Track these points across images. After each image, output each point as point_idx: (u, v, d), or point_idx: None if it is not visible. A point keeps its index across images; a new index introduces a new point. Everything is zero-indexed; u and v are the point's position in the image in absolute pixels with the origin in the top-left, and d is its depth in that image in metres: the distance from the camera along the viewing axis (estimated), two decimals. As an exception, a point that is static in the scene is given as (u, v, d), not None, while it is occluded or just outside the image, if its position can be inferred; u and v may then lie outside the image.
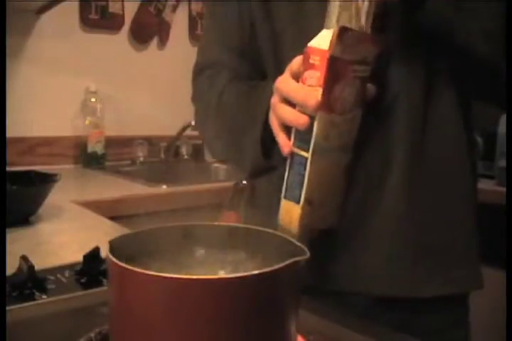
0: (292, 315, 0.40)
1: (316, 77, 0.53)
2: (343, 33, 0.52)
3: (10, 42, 1.65)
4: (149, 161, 2.02)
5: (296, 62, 0.58)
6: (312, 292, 0.55)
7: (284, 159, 0.61)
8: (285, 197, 0.59)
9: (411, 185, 0.67)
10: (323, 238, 0.66)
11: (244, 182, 0.63)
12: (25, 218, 1.05)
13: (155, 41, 2.10)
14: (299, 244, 0.41)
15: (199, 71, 0.84)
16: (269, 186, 0.77)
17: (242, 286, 0.36)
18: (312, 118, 0.55)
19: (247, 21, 0.75)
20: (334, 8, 0.54)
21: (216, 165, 2.12)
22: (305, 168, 0.56)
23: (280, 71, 0.63)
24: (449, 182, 0.70)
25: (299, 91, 0.56)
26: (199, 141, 2.16)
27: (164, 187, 1.50)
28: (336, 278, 0.71)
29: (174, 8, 2.14)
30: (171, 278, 0.35)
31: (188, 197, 1.48)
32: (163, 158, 2.07)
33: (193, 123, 1.99)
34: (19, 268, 0.68)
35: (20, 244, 0.90)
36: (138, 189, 1.50)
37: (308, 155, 0.56)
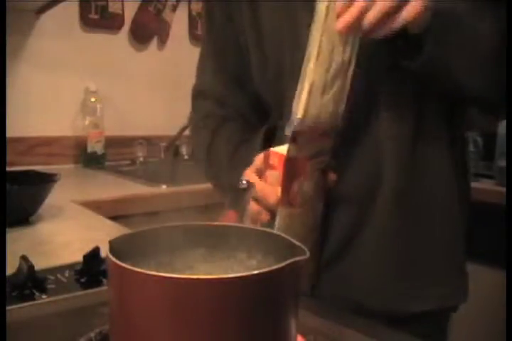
0: (292, 315, 0.40)
1: (275, 176, 0.58)
2: (296, 136, 0.56)
3: (10, 42, 1.65)
4: (149, 161, 2.02)
5: (259, 159, 0.63)
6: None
7: None
8: None
9: (400, 204, 0.69)
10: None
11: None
12: (25, 218, 1.05)
13: (155, 41, 2.10)
14: (298, 244, 0.41)
15: (196, 94, 0.93)
16: None
17: (242, 286, 0.36)
18: (274, 213, 0.60)
19: (243, 47, 0.79)
20: (314, 41, 0.56)
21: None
22: None
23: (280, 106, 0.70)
24: (439, 202, 0.71)
25: (260, 189, 0.61)
26: (199, 141, 2.16)
27: (164, 187, 1.50)
28: (325, 285, 0.72)
29: (174, 8, 2.14)
30: (171, 278, 0.35)
31: (188, 197, 1.48)
32: (163, 158, 2.07)
33: (193, 123, 1.99)
34: (19, 268, 0.68)
35: (20, 244, 0.90)
36: (138, 189, 1.50)
37: None
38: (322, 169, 0.60)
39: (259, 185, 0.61)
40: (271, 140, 0.73)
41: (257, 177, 0.63)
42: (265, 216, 0.60)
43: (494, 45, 0.60)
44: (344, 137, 0.64)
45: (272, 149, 0.60)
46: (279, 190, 0.58)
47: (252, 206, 0.63)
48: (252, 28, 0.75)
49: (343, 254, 0.71)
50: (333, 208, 0.70)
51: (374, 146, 0.68)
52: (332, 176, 0.63)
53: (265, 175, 0.61)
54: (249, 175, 0.64)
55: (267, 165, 0.60)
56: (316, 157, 0.59)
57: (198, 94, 0.90)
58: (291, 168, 0.57)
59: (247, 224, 0.65)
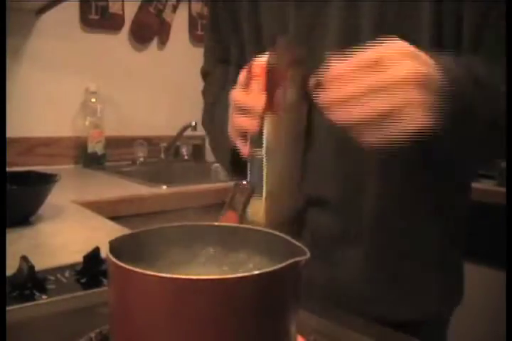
0: (292, 315, 0.40)
1: (259, 84, 0.62)
2: (276, 46, 0.61)
3: (10, 42, 1.65)
4: (149, 161, 2.02)
5: (242, 75, 0.65)
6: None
7: None
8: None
9: (385, 213, 0.71)
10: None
11: (245, 182, 0.63)
12: (25, 218, 1.05)
13: (155, 41, 2.10)
14: (299, 244, 0.41)
15: (204, 74, 0.95)
16: None
17: (243, 286, 0.36)
18: (262, 121, 0.63)
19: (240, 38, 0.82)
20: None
21: (216, 165, 2.12)
22: (262, 167, 0.63)
23: None
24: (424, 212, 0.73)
25: (246, 98, 0.63)
26: (199, 141, 2.16)
27: (164, 187, 1.50)
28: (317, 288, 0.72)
29: (174, 9, 2.14)
30: (171, 278, 0.35)
31: (188, 197, 1.48)
32: (163, 158, 2.07)
33: (193, 123, 1.99)
34: (19, 269, 0.68)
35: (20, 244, 0.90)
36: (138, 189, 1.50)
37: (263, 154, 0.63)
38: (303, 76, 0.63)
39: (245, 96, 0.64)
40: None
41: (241, 90, 0.65)
42: (255, 125, 0.62)
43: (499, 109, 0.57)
44: None
45: (253, 61, 0.64)
46: (263, 97, 0.62)
47: (237, 119, 0.65)
48: (251, 25, 0.78)
49: (331, 261, 0.73)
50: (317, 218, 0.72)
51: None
52: (314, 83, 0.61)
53: (250, 86, 0.64)
54: (235, 92, 0.66)
55: (250, 76, 0.64)
56: (295, 65, 0.62)
57: (206, 73, 0.94)
58: (273, 75, 0.61)
59: (234, 139, 0.67)
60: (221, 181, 1.81)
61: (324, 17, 0.70)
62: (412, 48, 0.53)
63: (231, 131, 0.69)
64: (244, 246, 0.47)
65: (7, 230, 0.81)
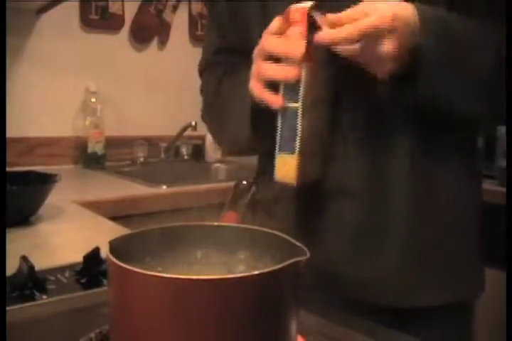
0: (292, 315, 0.40)
1: (298, 30, 0.58)
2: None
3: (10, 42, 1.65)
4: (149, 161, 2.02)
5: (275, 23, 0.61)
6: (313, 292, 0.55)
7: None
8: (280, 151, 0.62)
9: (414, 205, 0.69)
10: (331, 239, 0.69)
11: (245, 182, 0.63)
12: (25, 218, 1.05)
13: (155, 41, 2.10)
14: (298, 244, 0.41)
15: (202, 68, 0.88)
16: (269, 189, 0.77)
17: (242, 286, 0.36)
18: (300, 69, 0.59)
19: (243, 22, 0.77)
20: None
21: (216, 165, 2.12)
22: (297, 119, 0.60)
23: None
24: (455, 199, 0.71)
25: (283, 45, 0.59)
26: (199, 141, 2.16)
27: (164, 187, 1.50)
28: (340, 283, 0.71)
29: (174, 9, 2.14)
30: (171, 278, 0.35)
31: (188, 197, 1.48)
32: (164, 158, 2.07)
33: (193, 123, 1.99)
34: (19, 269, 0.68)
35: (20, 244, 0.90)
36: (138, 189, 1.50)
37: (298, 105, 0.60)
38: None
39: (281, 42, 0.60)
40: None
41: (275, 37, 0.61)
42: (291, 73, 0.58)
43: (489, 64, 0.61)
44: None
45: (291, 7, 0.60)
46: (303, 44, 0.58)
47: (269, 68, 0.61)
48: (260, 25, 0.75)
49: (359, 252, 0.70)
50: (342, 204, 0.69)
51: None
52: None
53: (286, 34, 0.60)
54: (266, 37, 0.62)
55: (287, 23, 0.60)
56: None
57: (205, 67, 0.88)
58: (313, 20, 0.58)
59: (259, 91, 0.63)
60: (221, 181, 1.81)
61: None
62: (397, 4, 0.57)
63: (255, 82, 0.64)
64: (244, 246, 0.47)
65: (7, 230, 0.81)
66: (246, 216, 0.78)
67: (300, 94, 0.59)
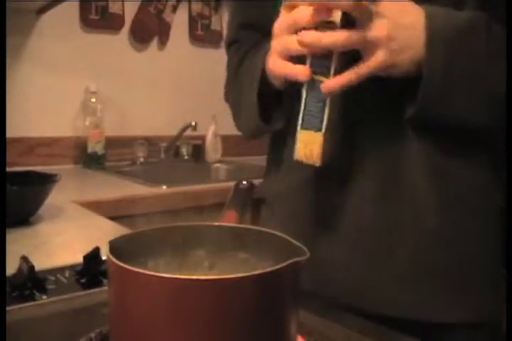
0: (292, 315, 0.40)
1: None
2: None
3: (10, 42, 1.65)
4: (149, 161, 2.02)
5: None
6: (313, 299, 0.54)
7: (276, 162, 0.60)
8: (303, 128, 0.58)
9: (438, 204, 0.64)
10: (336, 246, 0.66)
11: (245, 182, 0.63)
12: (25, 218, 1.05)
13: (155, 41, 2.10)
14: (298, 244, 0.41)
15: (227, 45, 0.85)
16: (270, 189, 0.77)
17: (243, 287, 0.36)
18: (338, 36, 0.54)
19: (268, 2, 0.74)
20: None
21: (216, 165, 2.12)
22: (322, 94, 0.55)
23: None
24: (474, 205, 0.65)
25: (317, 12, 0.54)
26: (199, 142, 2.16)
27: (164, 187, 1.50)
28: (347, 292, 0.67)
29: (174, 9, 2.14)
30: (171, 278, 0.35)
31: (188, 197, 1.48)
32: (164, 158, 2.07)
33: (193, 123, 2.00)
34: (19, 269, 0.68)
35: (20, 244, 0.90)
36: (138, 189, 1.50)
37: (331, 76, 0.55)
38: None
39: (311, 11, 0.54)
40: None
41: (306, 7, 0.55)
42: (340, 35, 0.53)
43: (492, 74, 0.57)
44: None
45: None
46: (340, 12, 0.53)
47: (293, 40, 0.55)
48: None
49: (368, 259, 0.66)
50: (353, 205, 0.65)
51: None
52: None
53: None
54: (296, 10, 0.56)
55: None
56: None
57: (229, 44, 0.84)
58: None
59: (282, 66, 0.58)
60: (221, 181, 1.81)
61: None
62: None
63: (276, 58, 0.59)
64: (244, 246, 0.47)
65: (7, 230, 0.81)
66: (246, 216, 0.78)
67: (332, 67, 0.55)
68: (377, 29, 0.53)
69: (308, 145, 0.57)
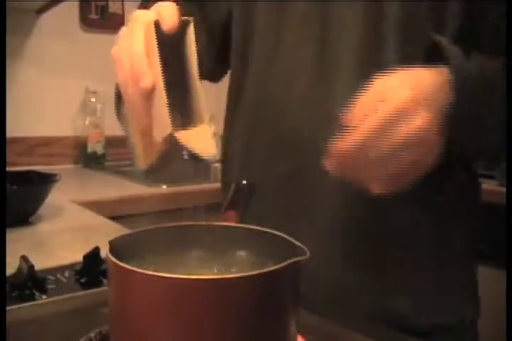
0: (292, 315, 0.40)
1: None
2: None
3: (10, 42, 1.65)
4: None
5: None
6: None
7: None
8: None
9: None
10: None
11: (245, 182, 0.63)
12: (25, 218, 1.05)
13: (155, 41, 2.10)
14: (298, 244, 0.41)
15: None
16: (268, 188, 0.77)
17: (242, 286, 0.36)
18: None
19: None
20: None
21: (216, 165, 2.12)
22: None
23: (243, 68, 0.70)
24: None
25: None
26: (199, 141, 2.16)
27: (164, 187, 1.50)
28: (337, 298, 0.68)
29: (174, 8, 2.13)
30: (171, 278, 0.35)
31: (188, 197, 1.48)
32: (163, 158, 2.07)
33: (193, 123, 1.99)
34: (19, 268, 0.68)
35: (20, 244, 0.90)
36: (138, 189, 1.50)
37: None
38: None
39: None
40: None
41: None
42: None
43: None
44: None
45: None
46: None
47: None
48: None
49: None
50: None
51: None
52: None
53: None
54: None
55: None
56: None
57: None
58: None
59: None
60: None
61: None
62: (412, 77, 0.52)
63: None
64: (245, 246, 0.47)
65: (7, 230, 0.81)
66: (246, 216, 0.78)
67: None
68: None
69: (203, 141, 0.61)
